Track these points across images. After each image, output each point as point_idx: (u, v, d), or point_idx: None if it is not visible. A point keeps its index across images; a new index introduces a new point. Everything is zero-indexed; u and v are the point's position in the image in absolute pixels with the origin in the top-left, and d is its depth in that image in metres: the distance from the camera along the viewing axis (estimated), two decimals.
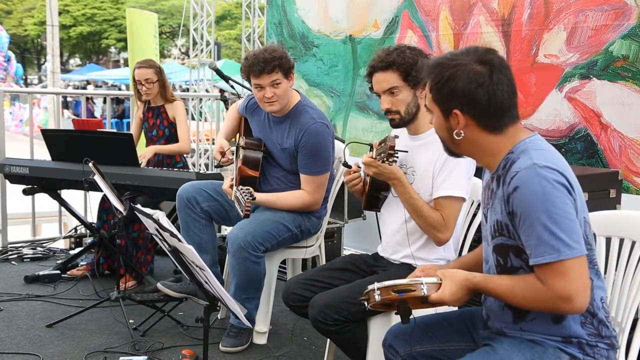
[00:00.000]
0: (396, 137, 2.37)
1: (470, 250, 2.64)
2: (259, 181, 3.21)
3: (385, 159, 2.31)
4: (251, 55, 3.05)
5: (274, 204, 3.13)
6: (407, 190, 2.41)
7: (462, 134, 1.75)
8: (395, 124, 2.54)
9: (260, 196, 3.03)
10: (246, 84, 3.55)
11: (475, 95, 1.70)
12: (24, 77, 27.40)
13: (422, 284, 1.76)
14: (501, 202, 1.71)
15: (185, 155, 4.40)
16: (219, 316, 3.54)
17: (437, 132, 1.85)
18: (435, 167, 2.44)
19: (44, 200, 4.63)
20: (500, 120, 1.73)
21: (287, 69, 3.05)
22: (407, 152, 2.50)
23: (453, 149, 1.84)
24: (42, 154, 4.39)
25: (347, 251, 4.43)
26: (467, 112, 1.73)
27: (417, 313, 1.87)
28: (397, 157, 2.34)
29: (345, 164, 2.61)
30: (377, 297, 1.81)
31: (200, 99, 7.77)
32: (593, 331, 1.72)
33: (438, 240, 2.43)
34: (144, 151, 4.11)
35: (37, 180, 4.04)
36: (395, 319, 2.32)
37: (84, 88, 23.52)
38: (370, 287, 1.84)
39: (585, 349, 1.71)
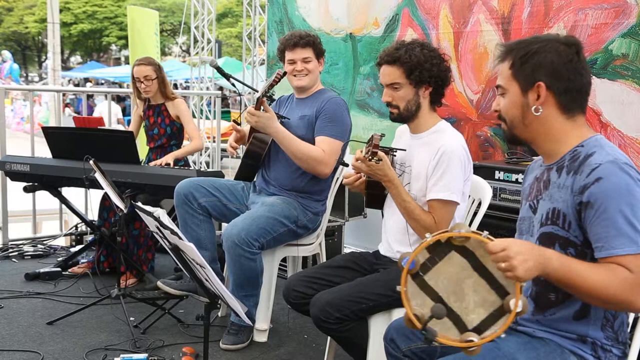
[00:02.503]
0: (382, 135, 2.39)
1: None
2: (269, 148, 3.28)
3: (370, 157, 2.32)
4: (288, 33, 3.36)
5: (291, 140, 3.12)
6: (399, 192, 2.42)
7: (541, 110, 1.74)
8: (393, 118, 2.57)
9: (283, 129, 3.11)
10: (247, 81, 3.57)
11: (562, 70, 1.72)
12: (24, 75, 27.39)
13: (481, 233, 1.57)
14: (567, 192, 1.69)
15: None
16: (219, 314, 3.55)
17: (506, 115, 1.80)
18: (429, 167, 2.44)
19: (44, 198, 4.64)
20: (577, 102, 1.75)
21: (319, 51, 3.32)
22: (405, 150, 2.50)
23: (518, 132, 1.80)
24: (43, 151, 4.39)
25: (347, 249, 4.42)
26: (551, 86, 1.73)
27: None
28: (394, 155, 2.34)
29: (343, 162, 2.62)
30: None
31: (202, 97, 7.78)
32: (611, 335, 1.71)
33: None
34: (165, 157, 4.06)
35: (37, 178, 4.05)
36: (397, 315, 2.33)
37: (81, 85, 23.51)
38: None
39: (598, 352, 1.70)
